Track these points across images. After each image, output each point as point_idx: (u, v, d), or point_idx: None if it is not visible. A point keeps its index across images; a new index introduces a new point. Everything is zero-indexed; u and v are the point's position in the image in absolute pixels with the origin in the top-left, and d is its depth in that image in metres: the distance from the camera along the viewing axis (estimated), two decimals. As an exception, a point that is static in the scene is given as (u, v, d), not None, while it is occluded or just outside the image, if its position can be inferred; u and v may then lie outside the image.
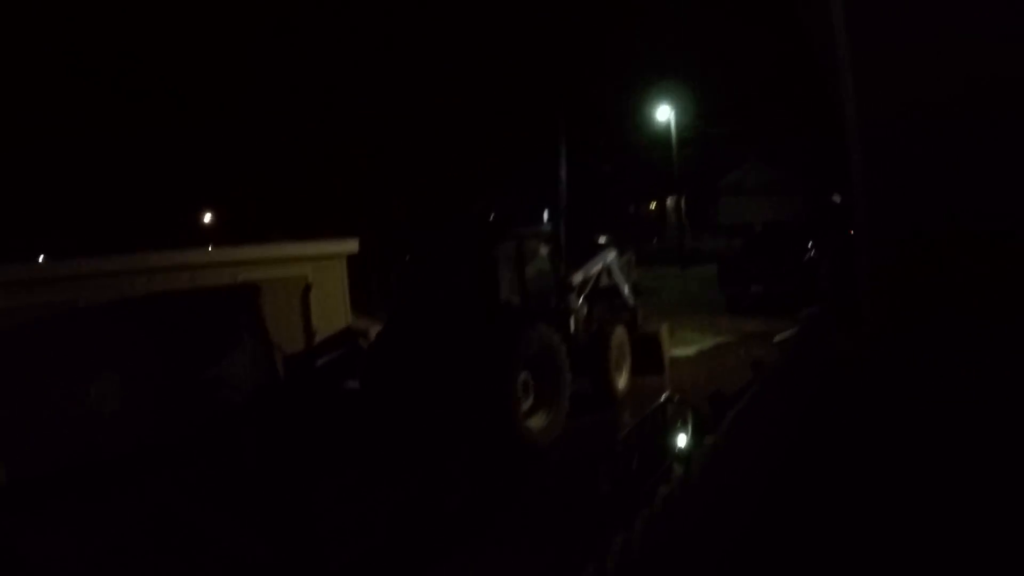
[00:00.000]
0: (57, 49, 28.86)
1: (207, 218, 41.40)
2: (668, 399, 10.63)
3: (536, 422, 10.07)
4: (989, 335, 9.68)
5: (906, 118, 10.61)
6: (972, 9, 10.32)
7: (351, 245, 13.63)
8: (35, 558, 6.92)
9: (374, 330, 12.68)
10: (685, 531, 3.95)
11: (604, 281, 12.95)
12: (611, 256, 13.24)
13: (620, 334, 12.31)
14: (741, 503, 5.61)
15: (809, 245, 20.42)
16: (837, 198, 39.07)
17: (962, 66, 10.31)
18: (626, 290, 13.58)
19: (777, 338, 12.09)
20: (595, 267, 12.59)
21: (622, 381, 12.28)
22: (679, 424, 10.48)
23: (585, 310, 12.17)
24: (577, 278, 11.82)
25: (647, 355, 13.26)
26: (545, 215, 29.49)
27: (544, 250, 11.25)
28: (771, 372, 8.58)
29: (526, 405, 10.01)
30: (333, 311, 13.19)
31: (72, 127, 29.63)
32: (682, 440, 10.06)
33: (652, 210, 60.17)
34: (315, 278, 12.93)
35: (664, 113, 37.09)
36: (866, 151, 11.41)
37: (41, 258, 19.30)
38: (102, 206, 30.98)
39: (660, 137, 39.11)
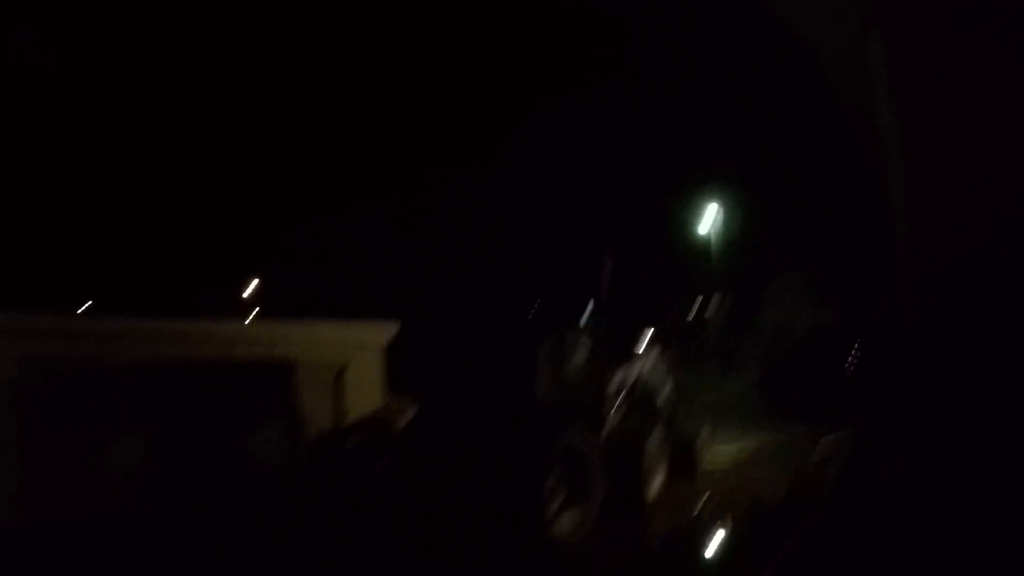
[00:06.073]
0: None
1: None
2: (703, 508, 10.33)
3: (564, 522, 9.89)
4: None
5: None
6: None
7: (390, 329, 13.55)
8: None
9: (406, 415, 12.53)
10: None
11: (645, 380, 12.72)
12: (653, 355, 13.04)
13: (656, 438, 12.03)
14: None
15: (855, 347, 19.89)
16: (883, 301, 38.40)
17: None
18: (666, 391, 13.32)
19: (816, 455, 11.61)
20: (636, 367, 12.39)
21: (656, 486, 11.92)
22: (710, 537, 10.18)
23: (624, 410, 11.93)
24: (617, 377, 11.63)
25: (684, 460, 12.95)
26: (589, 306, 29.37)
27: (585, 346, 11.11)
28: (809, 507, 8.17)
29: (555, 505, 9.82)
30: (366, 395, 13.04)
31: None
32: (715, 553, 9.73)
33: (697, 307, 59.74)
34: (352, 361, 12.84)
35: (706, 223, 37.04)
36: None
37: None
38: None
39: (705, 237, 39.04)
